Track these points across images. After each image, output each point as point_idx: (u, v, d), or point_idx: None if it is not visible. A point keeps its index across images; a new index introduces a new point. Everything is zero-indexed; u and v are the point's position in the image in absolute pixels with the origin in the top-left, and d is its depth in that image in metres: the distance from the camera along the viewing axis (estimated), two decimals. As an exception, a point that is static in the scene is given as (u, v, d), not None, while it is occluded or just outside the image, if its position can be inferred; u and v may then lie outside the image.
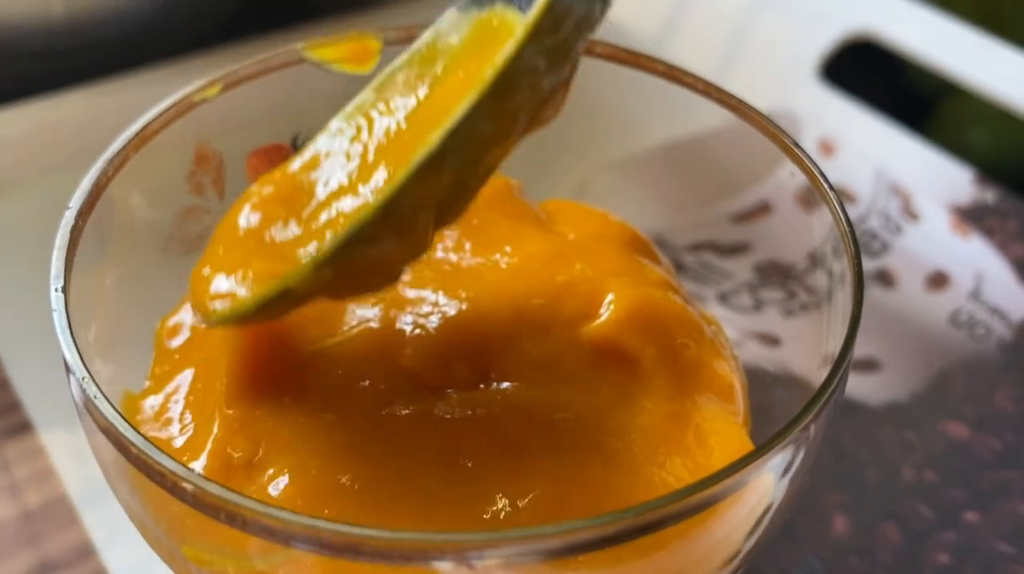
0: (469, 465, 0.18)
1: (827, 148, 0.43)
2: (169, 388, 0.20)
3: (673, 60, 0.52)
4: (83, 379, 0.17)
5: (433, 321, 0.21)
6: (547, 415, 0.19)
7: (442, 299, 0.22)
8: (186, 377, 0.20)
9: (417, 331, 0.21)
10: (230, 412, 0.20)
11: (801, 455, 0.18)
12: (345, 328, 0.21)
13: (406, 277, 0.22)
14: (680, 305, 0.22)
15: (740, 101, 0.24)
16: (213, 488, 0.15)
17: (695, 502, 0.16)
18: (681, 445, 0.20)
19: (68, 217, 0.19)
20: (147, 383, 0.21)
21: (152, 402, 0.20)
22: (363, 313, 0.21)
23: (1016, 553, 0.29)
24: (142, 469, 0.16)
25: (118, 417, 0.16)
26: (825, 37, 0.45)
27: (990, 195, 0.40)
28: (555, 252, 0.23)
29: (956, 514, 0.30)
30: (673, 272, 0.25)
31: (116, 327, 0.21)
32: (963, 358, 0.35)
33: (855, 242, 0.21)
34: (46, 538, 0.27)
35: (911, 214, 0.40)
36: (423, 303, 0.22)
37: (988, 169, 0.48)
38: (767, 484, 0.18)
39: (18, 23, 0.40)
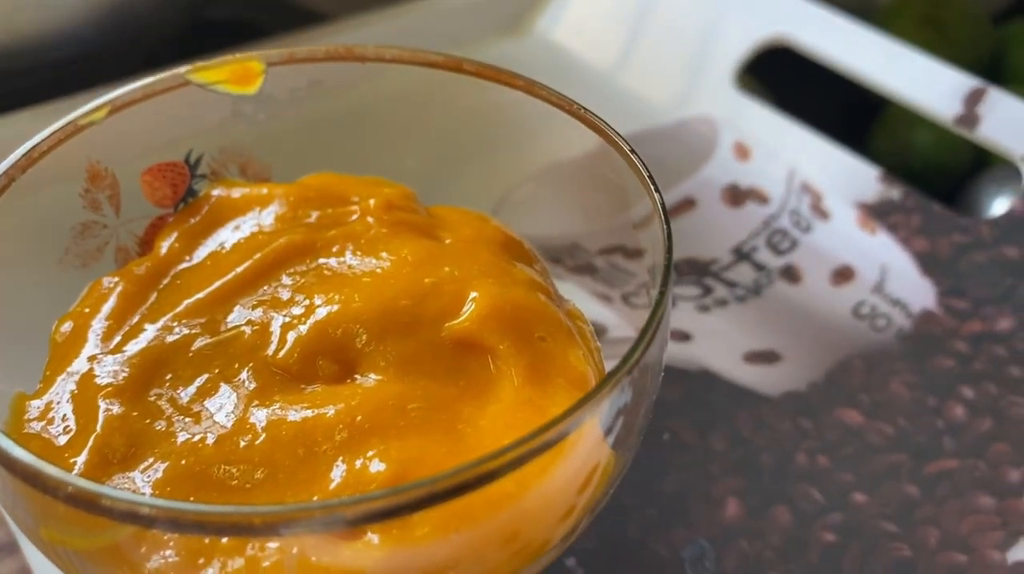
0: (324, 449, 0.20)
1: (743, 151, 0.45)
2: (55, 388, 0.22)
3: (590, 66, 0.53)
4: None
5: (306, 321, 0.23)
6: (403, 405, 0.21)
7: (317, 301, 0.23)
8: (73, 376, 0.22)
9: (290, 331, 0.23)
10: (111, 411, 0.21)
11: (621, 420, 0.20)
12: (223, 328, 0.23)
13: (287, 280, 0.24)
14: (541, 301, 0.24)
15: (587, 112, 0.25)
16: (67, 478, 0.16)
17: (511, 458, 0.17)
18: (528, 428, 0.21)
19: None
20: (39, 385, 0.22)
21: (38, 403, 0.22)
22: (242, 314, 0.23)
23: (899, 531, 0.31)
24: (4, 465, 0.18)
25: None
26: (742, 45, 0.47)
27: (895, 192, 0.41)
28: (428, 256, 0.24)
29: (844, 496, 0.32)
30: (547, 273, 0.26)
31: (12, 332, 0.23)
32: (862, 348, 0.36)
33: (670, 249, 0.22)
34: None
35: (821, 212, 0.42)
36: (298, 305, 0.23)
37: (934, 169, 0.50)
38: (592, 442, 0.20)
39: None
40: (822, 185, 0.42)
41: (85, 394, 0.22)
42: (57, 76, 0.45)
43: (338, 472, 0.20)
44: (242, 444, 0.20)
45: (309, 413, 0.21)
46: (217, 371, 0.22)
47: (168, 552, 0.19)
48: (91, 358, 0.23)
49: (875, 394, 0.35)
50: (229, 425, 0.21)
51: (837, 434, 0.34)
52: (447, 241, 0.25)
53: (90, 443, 0.21)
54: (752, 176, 0.43)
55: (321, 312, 0.23)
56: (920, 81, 0.43)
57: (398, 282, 0.23)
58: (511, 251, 0.26)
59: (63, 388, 0.22)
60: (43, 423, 0.21)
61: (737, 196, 0.43)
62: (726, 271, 0.40)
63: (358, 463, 0.20)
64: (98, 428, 0.21)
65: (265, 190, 0.26)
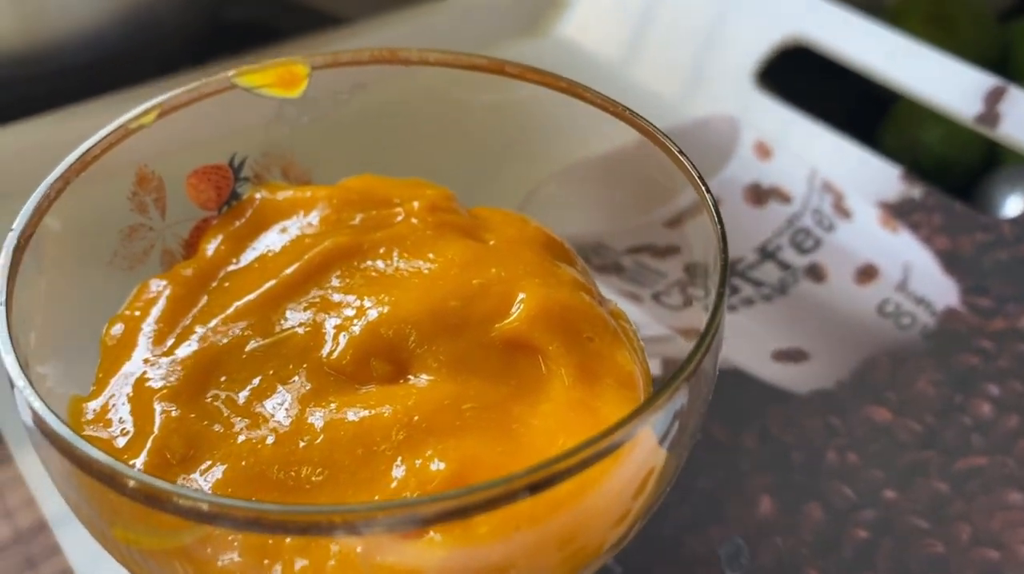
0: (383, 449, 0.20)
1: (764, 151, 0.45)
2: (110, 391, 0.22)
3: (606, 65, 0.54)
4: (15, 375, 0.18)
5: (358, 323, 0.23)
6: (457, 405, 0.21)
7: (367, 303, 0.23)
8: (128, 378, 0.22)
9: (342, 333, 0.23)
10: (168, 413, 0.21)
11: (676, 425, 0.20)
12: (275, 330, 0.23)
13: (336, 282, 0.24)
14: (587, 302, 0.24)
15: (632, 114, 0.25)
16: (140, 477, 0.17)
17: (582, 459, 0.18)
18: (580, 428, 0.21)
19: (10, 238, 0.21)
20: (92, 388, 0.23)
21: (94, 405, 0.22)
22: (293, 315, 0.23)
23: (931, 527, 0.31)
24: (73, 461, 0.18)
25: (48, 412, 0.18)
26: (762, 43, 0.47)
27: (917, 191, 0.42)
28: (474, 257, 0.25)
29: (875, 493, 0.32)
30: (588, 273, 0.27)
31: (64, 335, 0.23)
32: (888, 346, 0.37)
33: (725, 250, 0.23)
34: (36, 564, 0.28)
35: (843, 211, 0.42)
36: (349, 306, 0.23)
37: (944, 166, 0.50)
38: (649, 447, 0.20)
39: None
40: (844, 184, 0.43)
41: (140, 396, 0.22)
42: (76, 81, 0.45)
43: (399, 472, 0.20)
44: (301, 445, 0.21)
45: (366, 413, 0.21)
46: (272, 373, 0.22)
47: (234, 554, 0.19)
48: (145, 361, 0.23)
49: (902, 392, 0.35)
50: (287, 426, 0.21)
51: (866, 431, 0.34)
52: (491, 242, 0.26)
53: (148, 445, 0.21)
54: (774, 175, 0.43)
55: (372, 314, 0.23)
56: (940, 80, 0.43)
57: (446, 283, 0.24)
58: (553, 251, 0.26)
59: (118, 390, 0.22)
60: (101, 425, 0.22)
61: (759, 195, 0.44)
62: (752, 270, 0.40)
63: (418, 463, 0.20)
64: (155, 430, 0.21)
65: (309, 193, 0.26)
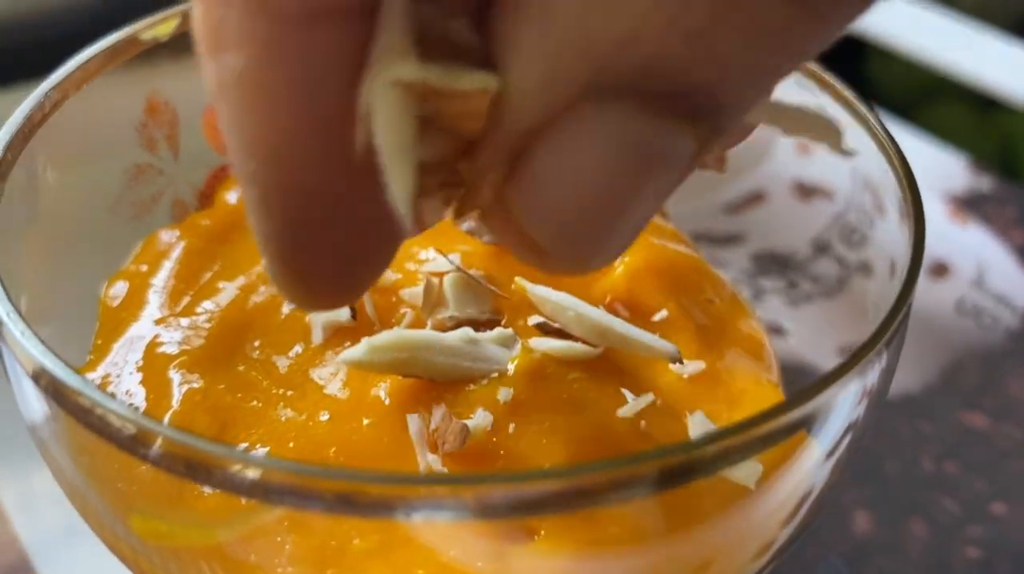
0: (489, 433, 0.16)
1: (803, 145, 0.41)
2: (111, 359, 0.17)
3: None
4: (7, 315, 0.14)
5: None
6: (562, 377, 0.17)
7: (427, 254, 0.19)
8: (137, 343, 0.17)
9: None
10: (190, 384, 0.17)
11: (848, 437, 0.16)
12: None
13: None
14: (698, 259, 0.20)
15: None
16: (182, 437, 0.12)
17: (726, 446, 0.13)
18: (711, 405, 0.17)
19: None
20: (89, 357, 0.18)
21: (92, 376, 0.17)
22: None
23: (1051, 546, 0.27)
24: (84, 421, 0.13)
25: (52, 357, 0.13)
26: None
27: (985, 182, 0.38)
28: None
29: (982, 506, 0.28)
30: (683, 234, 0.22)
31: (56, 296, 0.18)
32: (973, 347, 0.33)
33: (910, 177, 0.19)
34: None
35: (905, 205, 0.38)
36: (410, 260, 0.19)
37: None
38: (812, 462, 0.16)
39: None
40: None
41: (153, 365, 0.17)
42: (57, 54, 0.40)
43: (508, 455, 0.15)
44: (366, 422, 0.16)
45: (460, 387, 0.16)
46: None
47: (283, 560, 0.14)
48: (157, 322, 0.18)
49: (995, 395, 0.31)
50: (345, 397, 0.16)
51: (961, 438, 0.30)
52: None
53: (166, 422, 0.16)
54: (815, 170, 0.40)
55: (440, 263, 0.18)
56: (999, 65, 0.40)
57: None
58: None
59: (123, 358, 0.18)
60: (102, 398, 0.17)
61: (805, 190, 0.40)
62: (809, 264, 0.37)
63: (526, 445, 0.15)
64: (174, 404, 0.17)
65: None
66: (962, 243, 0.37)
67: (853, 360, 0.15)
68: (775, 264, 0.35)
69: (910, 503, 0.28)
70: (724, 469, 0.14)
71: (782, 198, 0.40)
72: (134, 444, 0.12)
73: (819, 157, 0.41)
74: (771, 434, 0.14)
